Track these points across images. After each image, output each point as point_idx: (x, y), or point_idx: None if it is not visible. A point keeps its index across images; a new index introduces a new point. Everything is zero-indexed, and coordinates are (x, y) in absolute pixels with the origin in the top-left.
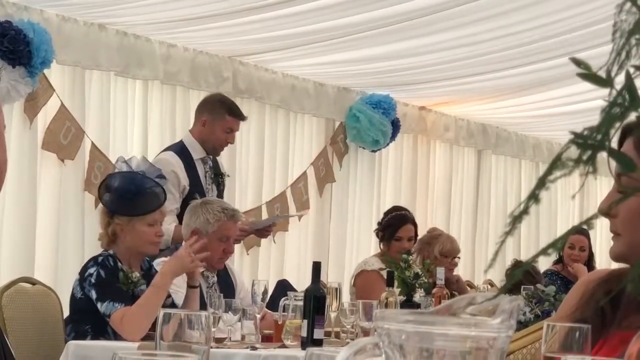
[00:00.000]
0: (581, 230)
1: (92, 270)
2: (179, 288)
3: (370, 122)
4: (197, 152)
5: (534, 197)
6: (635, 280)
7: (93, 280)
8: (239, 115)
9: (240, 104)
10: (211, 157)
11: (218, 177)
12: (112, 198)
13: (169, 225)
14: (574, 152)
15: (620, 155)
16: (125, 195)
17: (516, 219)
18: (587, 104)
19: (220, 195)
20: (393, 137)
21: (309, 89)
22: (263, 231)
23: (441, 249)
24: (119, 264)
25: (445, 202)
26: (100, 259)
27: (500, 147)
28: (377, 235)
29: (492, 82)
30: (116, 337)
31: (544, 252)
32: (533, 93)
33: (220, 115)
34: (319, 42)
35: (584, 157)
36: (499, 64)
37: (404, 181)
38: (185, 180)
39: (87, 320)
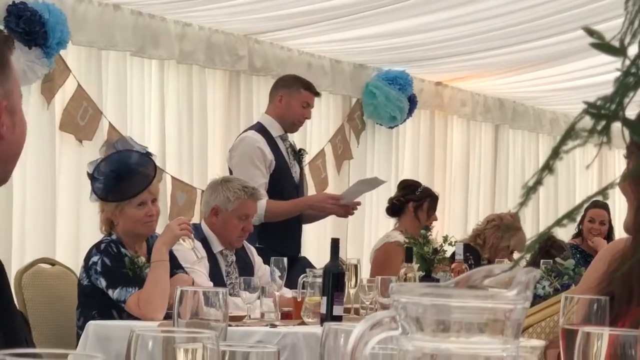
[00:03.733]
0: (601, 204)
1: (95, 258)
2: (194, 267)
3: (387, 99)
4: (275, 130)
5: (548, 167)
6: None
7: (99, 269)
8: (314, 91)
9: (257, 82)
10: (288, 135)
11: (298, 153)
12: (99, 185)
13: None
14: (588, 122)
15: (634, 125)
16: (109, 181)
17: (530, 190)
18: (605, 77)
19: (302, 171)
20: (410, 113)
21: (325, 66)
22: (348, 208)
23: (515, 245)
24: (122, 249)
25: (463, 177)
26: (102, 246)
27: (517, 121)
28: (408, 206)
29: (509, 57)
30: (122, 319)
31: (558, 222)
32: (550, 67)
33: (296, 89)
34: (334, 18)
35: (598, 128)
36: (514, 37)
37: (422, 157)
38: (270, 155)
39: (93, 306)
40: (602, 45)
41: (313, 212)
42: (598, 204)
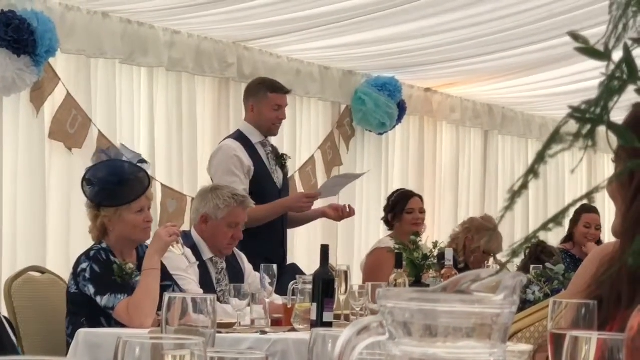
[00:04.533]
0: (595, 209)
1: (84, 265)
2: (186, 274)
3: (376, 105)
4: (255, 136)
5: (533, 172)
6: (636, 253)
7: (88, 276)
8: (280, 90)
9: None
10: (270, 141)
11: (280, 158)
12: (96, 190)
13: None
14: (573, 126)
15: (620, 129)
16: (108, 185)
17: (515, 194)
18: (595, 82)
19: (285, 176)
20: (399, 120)
21: (314, 72)
22: (340, 212)
23: (487, 245)
24: (112, 257)
25: (453, 183)
26: (92, 253)
27: (506, 127)
28: (387, 218)
29: (498, 62)
30: (110, 326)
31: (544, 227)
32: (539, 72)
33: (263, 95)
34: (323, 25)
35: (583, 132)
36: (504, 43)
37: (411, 163)
38: (248, 162)
39: (82, 314)
40: (587, 50)
41: (297, 216)
42: (592, 209)
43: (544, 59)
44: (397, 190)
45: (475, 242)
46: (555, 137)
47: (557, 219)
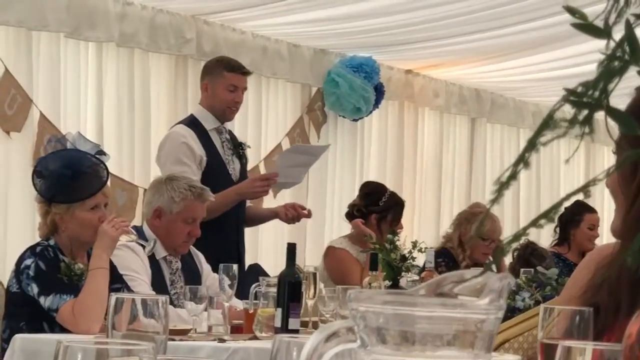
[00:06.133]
0: (594, 209)
1: (29, 261)
2: (137, 274)
3: (351, 88)
4: (209, 122)
5: (523, 161)
6: (635, 253)
7: (32, 273)
8: (238, 69)
9: None
10: (227, 127)
11: (238, 148)
12: (47, 184)
13: None
14: (568, 111)
15: (620, 114)
16: (61, 179)
17: (503, 186)
18: (595, 66)
19: (243, 167)
20: (377, 104)
21: (282, 51)
22: (293, 211)
23: (478, 228)
24: (60, 255)
25: (436, 176)
26: (38, 249)
27: (496, 114)
28: (370, 218)
29: (487, 42)
30: (53, 332)
31: (535, 223)
32: (533, 54)
33: (218, 73)
34: None
35: (580, 117)
36: (494, 21)
37: (390, 153)
38: (200, 151)
39: (22, 317)
40: (585, 26)
41: (249, 214)
42: (593, 209)
43: (539, 39)
44: (381, 189)
45: (469, 231)
46: (548, 123)
47: (548, 215)
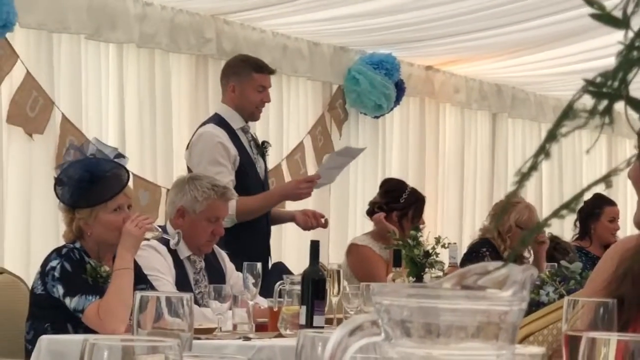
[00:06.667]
0: (614, 202)
1: (54, 263)
2: (161, 274)
3: (372, 85)
4: (235, 121)
5: (544, 151)
6: None
7: (57, 275)
8: (266, 70)
9: None
10: (249, 126)
11: (262, 146)
12: (68, 191)
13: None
14: (588, 102)
15: None
16: (81, 184)
17: (524, 177)
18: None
19: (266, 165)
20: (397, 101)
21: (302, 49)
22: (311, 218)
23: (517, 219)
24: (86, 257)
25: (458, 172)
26: (64, 250)
27: (517, 109)
28: (391, 215)
29: (507, 37)
30: (78, 334)
31: (556, 214)
32: (553, 48)
33: (247, 74)
34: None
35: (600, 108)
36: (514, 15)
37: (411, 150)
38: (234, 150)
39: (46, 318)
40: (603, 17)
41: (279, 214)
42: (613, 202)
43: (560, 32)
44: (401, 186)
45: (507, 221)
46: (568, 114)
47: (570, 205)
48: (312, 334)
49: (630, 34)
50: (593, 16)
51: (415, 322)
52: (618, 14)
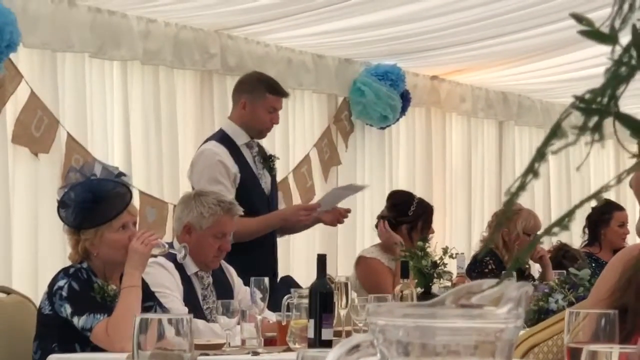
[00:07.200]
0: (624, 208)
1: (62, 282)
2: (169, 291)
3: (377, 96)
4: (240, 137)
5: (532, 171)
6: None
7: (65, 294)
8: (280, 93)
9: (231, 83)
10: (256, 141)
11: (268, 161)
12: (72, 213)
13: None
14: (577, 118)
15: (630, 120)
16: (85, 205)
17: (513, 197)
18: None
19: (273, 180)
20: (403, 112)
21: (306, 62)
22: (337, 215)
23: (524, 226)
24: (93, 277)
25: (465, 181)
26: (72, 270)
27: (523, 117)
28: (401, 228)
29: (512, 45)
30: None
31: (548, 232)
32: (559, 55)
33: (260, 94)
34: (315, 9)
35: (590, 124)
36: (519, 23)
37: (418, 160)
38: (234, 168)
39: (54, 337)
40: (591, 33)
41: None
42: (621, 207)
43: (565, 39)
44: (408, 197)
45: (512, 230)
46: (556, 132)
47: (562, 223)
48: (312, 353)
49: (618, 50)
50: (582, 33)
51: (411, 341)
52: (606, 29)
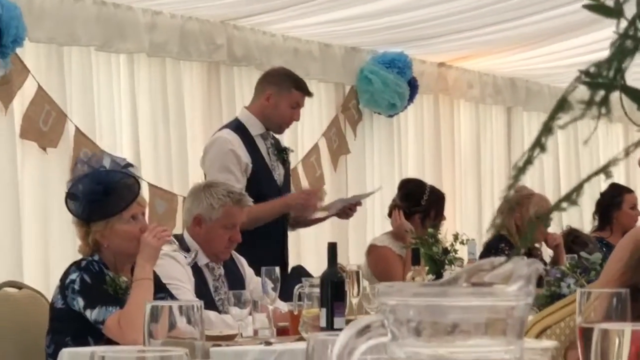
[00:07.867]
0: (633, 190)
1: (74, 276)
2: (181, 283)
3: (385, 84)
4: (255, 128)
5: (539, 144)
6: None
7: (77, 287)
8: (306, 91)
9: (238, 73)
10: (271, 133)
11: (282, 153)
12: (81, 205)
13: None
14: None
15: (637, 93)
16: (94, 197)
17: (520, 171)
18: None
19: (287, 172)
20: (411, 99)
21: (313, 51)
22: (347, 210)
23: (537, 211)
24: (105, 269)
25: (475, 167)
26: (83, 263)
27: (531, 102)
28: (414, 217)
29: (519, 30)
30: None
31: (557, 207)
32: (566, 39)
33: (286, 88)
34: None
35: (596, 98)
36: (526, 8)
37: (427, 147)
38: (246, 158)
39: (67, 331)
40: (596, 7)
41: (298, 216)
42: (631, 190)
43: (572, 23)
44: (422, 188)
45: (525, 215)
46: (563, 106)
47: (570, 197)
48: (323, 337)
49: (624, 23)
50: (586, 6)
51: (422, 321)
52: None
